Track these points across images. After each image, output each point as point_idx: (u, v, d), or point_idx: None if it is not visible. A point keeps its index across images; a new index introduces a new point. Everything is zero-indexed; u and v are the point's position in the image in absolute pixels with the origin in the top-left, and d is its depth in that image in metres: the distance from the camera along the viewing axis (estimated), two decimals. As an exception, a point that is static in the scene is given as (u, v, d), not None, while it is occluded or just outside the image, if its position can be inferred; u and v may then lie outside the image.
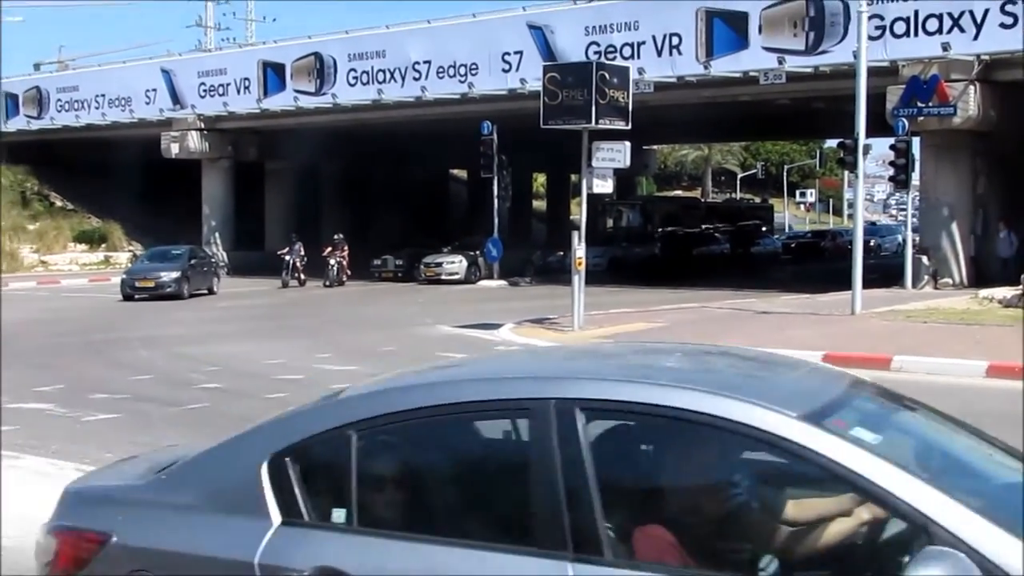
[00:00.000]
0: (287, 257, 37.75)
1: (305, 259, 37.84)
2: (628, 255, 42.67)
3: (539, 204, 64.66)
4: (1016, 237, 28.66)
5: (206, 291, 34.03)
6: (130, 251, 48.52)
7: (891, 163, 30.32)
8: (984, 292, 23.48)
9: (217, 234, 45.10)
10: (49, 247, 47.33)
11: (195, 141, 44.31)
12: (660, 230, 48.77)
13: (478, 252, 38.41)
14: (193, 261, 34.57)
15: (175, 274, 32.48)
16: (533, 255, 41.69)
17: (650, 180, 79.49)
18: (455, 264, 38.69)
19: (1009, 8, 26.52)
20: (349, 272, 38.42)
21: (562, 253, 41.54)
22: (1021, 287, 21.76)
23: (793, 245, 57.44)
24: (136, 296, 31.61)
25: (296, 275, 37.40)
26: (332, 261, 37.60)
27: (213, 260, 37.95)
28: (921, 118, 27.95)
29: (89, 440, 10.34)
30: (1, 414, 11.86)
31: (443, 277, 38.17)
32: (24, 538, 6.97)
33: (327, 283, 37.06)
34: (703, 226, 52.18)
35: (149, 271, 33.15)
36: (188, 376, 15.23)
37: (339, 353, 18.09)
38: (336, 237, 38.34)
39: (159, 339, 20.61)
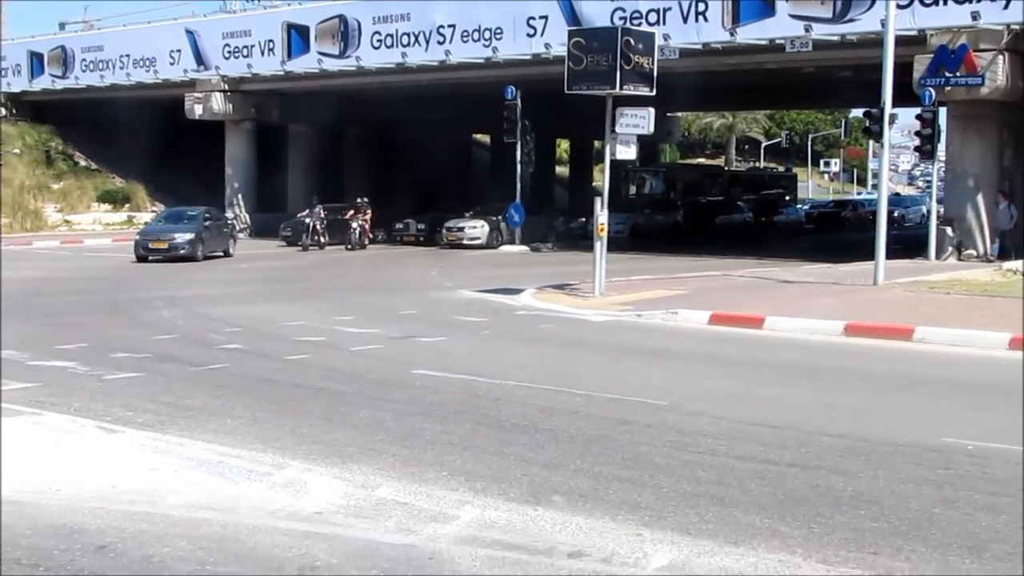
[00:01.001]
0: (307, 220, 37.62)
1: (325, 222, 37.76)
2: (651, 222, 42.52)
3: (562, 170, 64.45)
4: (1015, 209, 28.34)
5: (221, 253, 33.71)
6: (153, 211, 48.61)
7: (917, 133, 30.10)
8: (1008, 264, 23.34)
9: (240, 196, 45.14)
10: (73, 206, 47.49)
11: (219, 102, 44.28)
12: (683, 198, 48.57)
13: (500, 217, 38.34)
14: (208, 223, 34.08)
15: (189, 235, 31.97)
16: (555, 221, 41.59)
17: (674, 147, 79.05)
18: (477, 229, 38.56)
19: (1041, -23, 26.19)
20: (371, 236, 38.33)
21: (584, 219, 41.46)
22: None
23: (815, 215, 57.07)
24: (150, 258, 31.22)
25: (316, 238, 37.35)
26: (354, 224, 37.53)
27: (230, 222, 37.66)
28: (948, 88, 27.71)
29: (111, 398, 10.41)
30: (1, 370, 11.97)
31: (464, 242, 38.08)
32: (43, 493, 7.08)
33: (348, 246, 37.09)
34: (726, 194, 51.90)
35: (163, 232, 32.65)
36: (209, 336, 15.31)
37: (360, 315, 18.14)
38: (359, 200, 38.31)
39: (181, 299, 20.70)
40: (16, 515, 6.63)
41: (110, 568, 5.84)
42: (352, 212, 37.93)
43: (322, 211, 37.73)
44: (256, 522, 6.59)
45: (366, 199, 38.47)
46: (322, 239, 37.44)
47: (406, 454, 8.26)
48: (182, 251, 31.36)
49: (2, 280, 21.79)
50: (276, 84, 43.86)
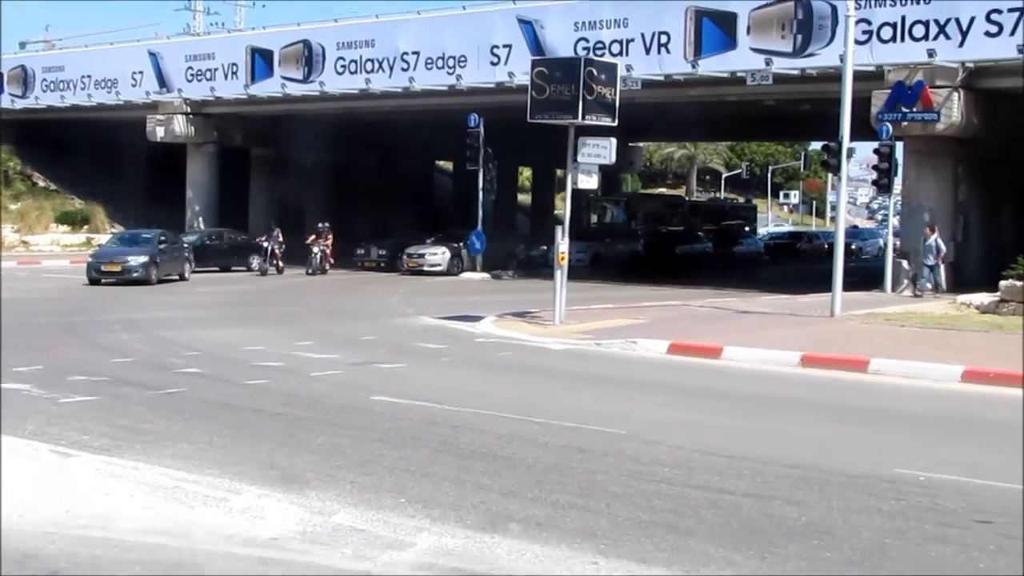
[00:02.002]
0: (265, 244, 37.42)
1: (284, 246, 37.65)
2: (611, 251, 42.73)
3: (524, 198, 64.63)
4: (943, 243, 28.37)
5: (176, 277, 33.21)
6: (112, 233, 48.28)
7: (874, 167, 30.49)
8: (962, 298, 23.64)
9: (201, 219, 44.91)
10: (31, 227, 47.08)
11: (181, 125, 44.12)
12: (644, 227, 48.84)
13: (461, 244, 38.40)
14: (163, 246, 33.57)
15: (143, 259, 31.53)
16: (516, 249, 41.67)
17: (635, 177, 79.53)
18: (437, 255, 38.45)
19: (994, 16, 26.70)
20: (332, 261, 38.10)
21: (545, 247, 41.54)
22: (998, 294, 21.93)
23: (773, 245, 57.55)
24: (102, 280, 30.77)
25: (274, 262, 37.16)
26: (316, 249, 37.29)
27: (185, 245, 36.61)
28: (905, 123, 28.11)
29: (66, 422, 10.33)
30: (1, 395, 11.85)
31: (425, 268, 37.96)
32: None
33: (309, 271, 36.89)
34: (687, 224, 52.24)
35: (116, 255, 32.14)
36: (168, 360, 15.21)
37: (320, 341, 18.10)
38: (321, 226, 38.09)
39: (140, 322, 20.57)
40: (-32, 539, 6.57)
41: (63, 593, 5.80)
42: (314, 237, 37.71)
43: (280, 235, 37.55)
44: (212, 547, 6.56)
45: (327, 224, 38.27)
46: (280, 263, 37.30)
47: (364, 480, 8.26)
48: (135, 274, 30.93)
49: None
50: (239, 108, 43.80)
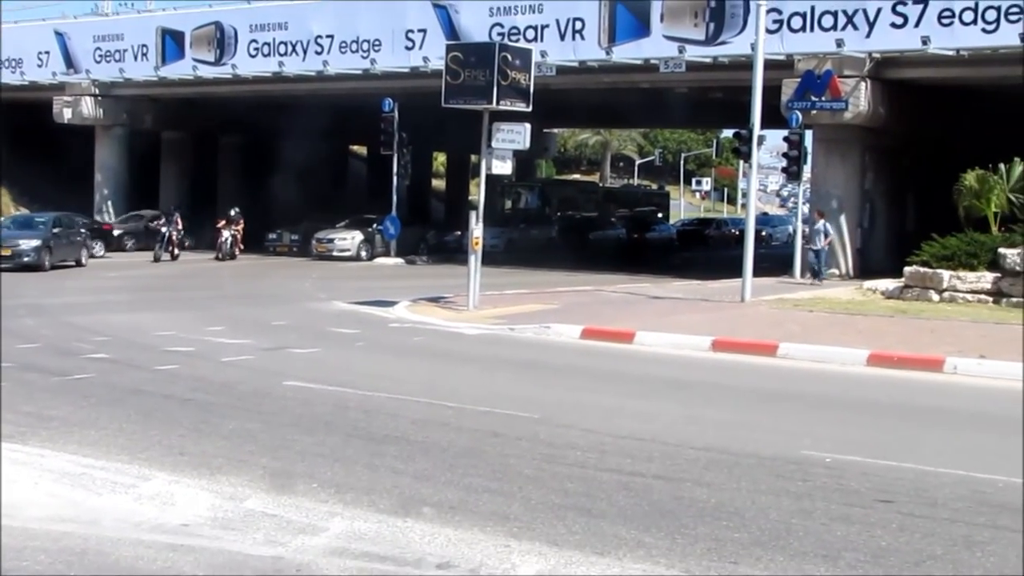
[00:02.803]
0: (164, 229, 36.30)
1: (182, 232, 37.08)
2: (525, 237, 42.85)
3: (439, 183, 64.49)
4: (831, 229, 28.84)
5: (73, 263, 31.89)
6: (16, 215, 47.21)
7: (784, 155, 30.97)
8: (868, 283, 24.17)
9: (109, 203, 44.06)
10: (-69, 210, 45.91)
11: (89, 107, 43.19)
12: (558, 213, 49.06)
13: (373, 228, 38.22)
14: (57, 230, 32.16)
15: (35, 243, 30.15)
16: (428, 234, 41.56)
17: (550, 163, 79.76)
18: (347, 240, 38.34)
19: (900, 8, 27.30)
20: (242, 247, 37.77)
21: (459, 233, 41.43)
22: (903, 280, 22.44)
23: (682, 232, 58.18)
24: None
25: (170, 248, 35.94)
26: (226, 234, 36.82)
27: (82, 230, 35.20)
28: (814, 111, 28.61)
29: (-30, 408, 10.10)
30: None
31: (335, 253, 37.79)
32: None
33: (219, 256, 36.47)
34: (600, 211, 52.58)
35: (7, 238, 30.20)
36: (75, 346, 14.95)
37: (232, 326, 17.91)
38: (232, 212, 37.68)
39: (46, 307, 20.17)
40: None
41: (-34, 582, 5.69)
42: (224, 222, 37.21)
43: (179, 221, 36.81)
44: (120, 535, 6.48)
45: (238, 209, 37.86)
46: (176, 250, 36.26)
47: (276, 466, 8.21)
48: (27, 259, 29.50)
49: None
50: (149, 90, 43.04)
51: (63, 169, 44.36)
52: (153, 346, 15.07)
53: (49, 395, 11.06)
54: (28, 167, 45.58)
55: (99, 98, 43.26)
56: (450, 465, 8.34)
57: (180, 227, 36.70)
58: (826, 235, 27.92)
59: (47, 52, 44.15)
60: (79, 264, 32.19)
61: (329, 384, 11.94)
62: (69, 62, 43.64)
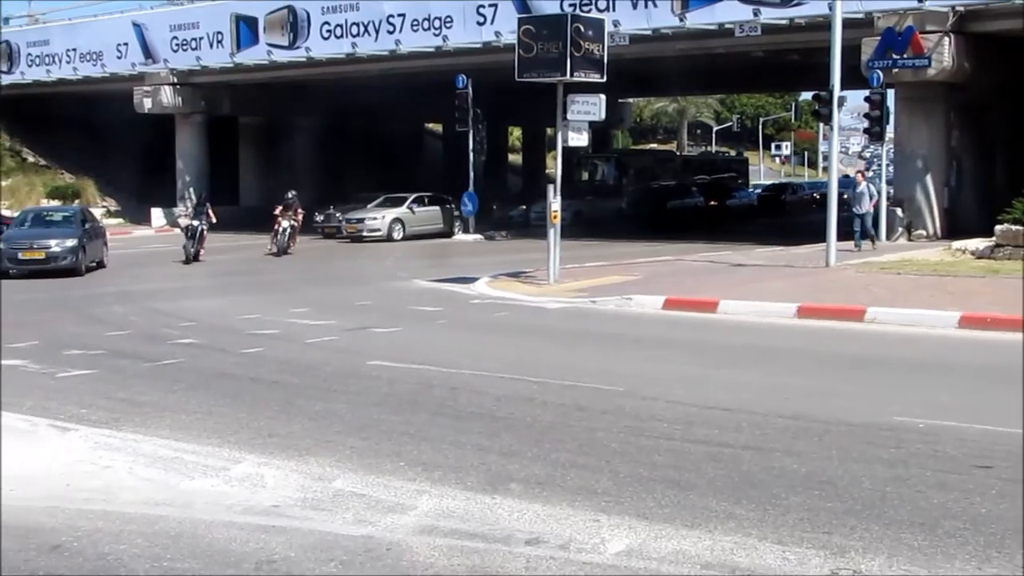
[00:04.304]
0: (193, 223, 29.11)
1: (214, 223, 30.40)
2: (593, 208, 42.36)
3: (515, 157, 64.47)
4: (875, 189, 27.45)
5: (95, 264, 26.40)
6: (104, 207, 48.14)
7: (866, 115, 30.38)
8: (957, 244, 23.62)
9: (191, 189, 44.76)
10: (22, 203, 46.80)
11: (168, 96, 43.87)
12: (635, 183, 48.69)
13: (408, 207, 37.55)
14: (87, 225, 26.87)
15: (70, 243, 24.88)
16: (493, 208, 41.17)
17: (626, 133, 79.32)
18: (377, 220, 36.70)
19: (984, -41, 26.52)
20: (296, 240, 32.13)
21: (524, 207, 41.37)
22: (993, 239, 21.91)
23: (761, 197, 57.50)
24: (12, 271, 24.22)
25: (197, 248, 28.63)
26: (284, 223, 31.17)
27: (101, 226, 29.78)
28: (895, 70, 27.98)
29: (64, 396, 10.31)
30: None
31: (364, 234, 36.19)
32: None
33: (273, 249, 30.89)
34: (678, 179, 52.12)
35: (36, 238, 25.13)
36: (163, 331, 15.19)
37: (314, 308, 18.05)
38: (289, 195, 32.36)
39: (133, 294, 20.52)
40: (-31, 516, 6.57)
41: (66, 567, 5.79)
42: (281, 208, 31.59)
43: (211, 211, 30.15)
44: (212, 517, 6.56)
45: (295, 192, 32.92)
46: (201, 249, 28.96)
47: (363, 445, 8.25)
48: (63, 261, 24.56)
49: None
50: (226, 76, 43.53)
51: (144, 159, 45.12)
52: (238, 330, 15.26)
53: (141, 381, 11.25)
54: (110, 158, 46.45)
55: (177, 86, 43.92)
56: (536, 440, 8.31)
57: (213, 219, 30.22)
58: (871, 197, 26.69)
59: (125, 44, 44.87)
60: (101, 265, 26.90)
61: (413, 363, 11.98)
62: (147, 52, 44.32)
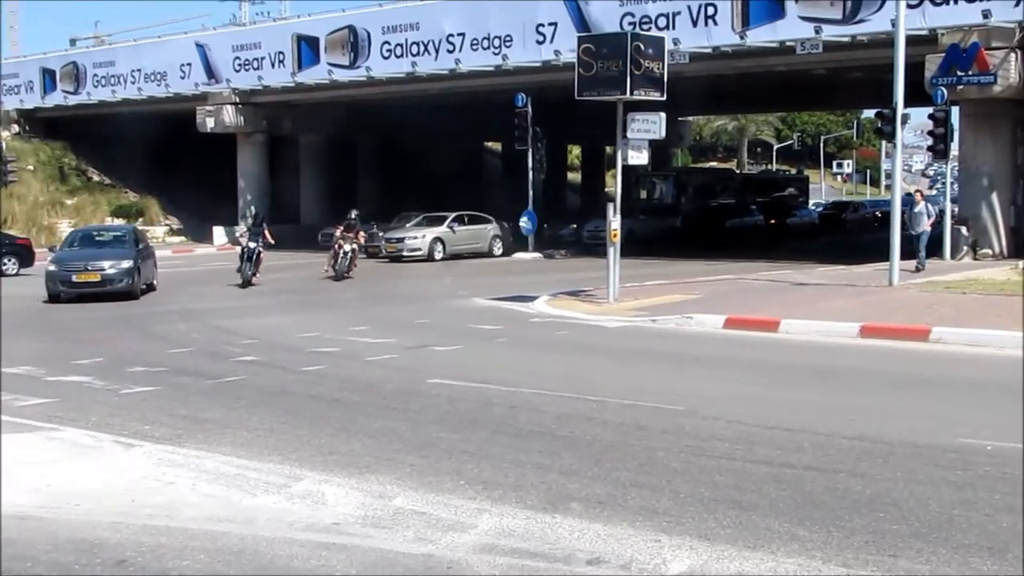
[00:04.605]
0: (251, 245, 27.30)
1: (271, 244, 28.70)
2: (646, 227, 42.02)
3: (574, 176, 64.45)
4: (933, 209, 27.05)
5: (144, 286, 24.94)
6: (167, 225, 48.83)
7: (929, 133, 29.93)
8: (1024, 263, 23.24)
9: (251, 208, 45.24)
10: (87, 221, 47.61)
11: (230, 115, 44.47)
12: (693, 202, 48.43)
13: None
14: (140, 246, 25.82)
15: (126, 264, 23.81)
16: (544, 227, 40.67)
17: (685, 152, 79.01)
18: (417, 240, 35.87)
19: (1051, -26, 26.13)
20: (356, 264, 29.82)
21: (575, 226, 41.09)
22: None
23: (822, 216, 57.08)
24: (63, 296, 23.22)
25: (254, 271, 27.08)
26: (346, 247, 29.08)
27: (151, 247, 28.61)
28: (960, 87, 27.61)
29: (128, 413, 10.43)
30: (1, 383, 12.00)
31: (405, 253, 35.25)
32: (62, 509, 7.10)
33: (332, 273, 28.82)
34: (738, 197, 51.79)
35: (90, 260, 23.97)
36: (225, 349, 15.34)
37: (374, 326, 18.14)
38: (352, 215, 30.20)
39: (195, 312, 20.75)
40: (36, 530, 6.66)
41: (130, 582, 5.84)
42: (342, 229, 29.59)
43: (266, 229, 28.30)
44: (274, 534, 6.59)
45: (357, 212, 30.96)
46: (257, 273, 27.32)
47: (423, 463, 8.26)
48: (119, 284, 23.46)
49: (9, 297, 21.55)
50: (287, 96, 44.01)
51: (202, 177, 45.69)
52: (299, 347, 15.36)
53: (203, 398, 11.36)
54: (173, 177, 47.08)
55: (239, 106, 44.47)
56: (596, 460, 8.27)
57: (271, 240, 28.47)
58: (929, 216, 26.24)
59: (189, 64, 45.51)
60: (151, 288, 25.67)
61: (473, 381, 11.99)
62: (210, 72, 44.92)
